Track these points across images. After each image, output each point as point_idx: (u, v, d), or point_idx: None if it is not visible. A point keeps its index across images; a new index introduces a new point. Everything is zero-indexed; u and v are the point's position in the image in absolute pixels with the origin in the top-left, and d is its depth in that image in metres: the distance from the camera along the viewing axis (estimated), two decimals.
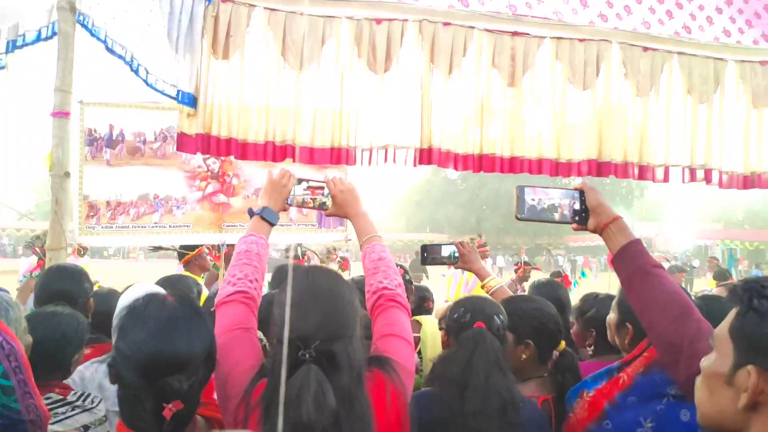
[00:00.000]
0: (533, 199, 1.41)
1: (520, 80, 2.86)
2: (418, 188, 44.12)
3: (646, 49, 2.99)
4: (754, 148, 3.18)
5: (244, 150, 2.66)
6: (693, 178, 3.10)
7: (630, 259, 1.24)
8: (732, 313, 0.81)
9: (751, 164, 3.18)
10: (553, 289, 2.34)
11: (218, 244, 4.50)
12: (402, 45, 2.74)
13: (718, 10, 3.14)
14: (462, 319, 1.54)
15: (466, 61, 2.81)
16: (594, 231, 1.34)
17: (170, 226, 4.16)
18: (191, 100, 2.60)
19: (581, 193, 1.36)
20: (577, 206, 1.37)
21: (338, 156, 2.71)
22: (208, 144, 2.64)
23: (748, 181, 3.19)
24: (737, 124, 3.15)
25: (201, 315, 1.21)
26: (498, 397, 1.34)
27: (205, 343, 1.17)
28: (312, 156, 2.71)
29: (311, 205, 1.61)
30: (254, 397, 1.15)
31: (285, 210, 1.59)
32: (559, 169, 2.93)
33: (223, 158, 4.04)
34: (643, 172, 3.03)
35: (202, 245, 4.25)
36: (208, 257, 4.44)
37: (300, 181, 1.61)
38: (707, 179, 3.13)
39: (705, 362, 0.84)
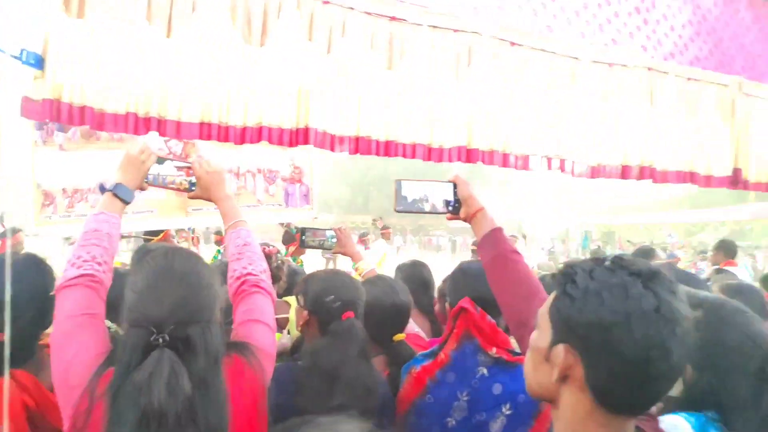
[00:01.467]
0: (410, 193, 1.52)
1: (398, 65, 2.93)
2: None
3: (513, 44, 3.22)
4: (600, 142, 3.57)
5: (101, 120, 2.44)
6: (549, 167, 3.41)
7: (492, 244, 1.37)
8: (552, 296, 0.92)
9: (597, 157, 3.57)
10: (417, 269, 2.47)
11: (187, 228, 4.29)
12: (279, 18, 2.67)
13: (576, 12, 3.45)
14: (331, 306, 1.56)
15: (345, 42, 2.82)
16: (464, 220, 1.48)
17: (133, 213, 3.77)
18: (38, 61, 2.33)
19: (454, 185, 1.50)
20: (450, 197, 1.50)
21: (209, 132, 2.60)
22: (58, 111, 2.38)
23: (595, 171, 3.59)
24: (586, 118, 3.51)
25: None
26: (364, 387, 1.40)
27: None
28: (179, 131, 2.57)
29: (174, 186, 1.54)
30: (100, 387, 1.10)
31: (143, 189, 1.50)
32: (431, 154, 3.07)
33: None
34: (506, 160, 3.28)
35: (167, 230, 4.02)
36: (178, 240, 4.21)
37: (162, 160, 1.54)
38: (562, 169, 3.46)
39: (531, 338, 0.94)
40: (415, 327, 1.90)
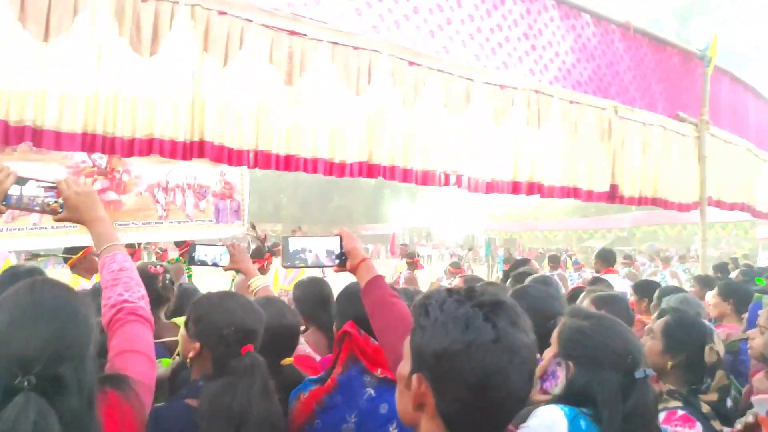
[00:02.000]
0: (297, 248, 1.57)
1: (297, 79, 2.93)
2: None
3: (411, 63, 3.33)
4: (494, 159, 3.78)
5: None
6: (447, 182, 3.56)
7: (373, 291, 1.43)
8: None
9: (492, 172, 3.78)
10: (316, 286, 2.47)
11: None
12: (171, 28, 2.58)
13: (471, 36, 3.65)
14: (229, 339, 1.42)
15: (243, 54, 2.77)
16: (350, 271, 1.53)
17: (52, 227, 3.63)
18: None
19: (341, 238, 1.55)
20: (337, 250, 1.55)
21: (92, 143, 2.45)
22: None
23: (489, 187, 3.80)
24: (481, 136, 3.71)
25: None
26: (271, 426, 1.36)
27: None
28: (59, 141, 2.39)
29: (38, 208, 1.43)
30: None
31: (1, 212, 1.38)
32: (333, 169, 3.09)
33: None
34: (407, 175, 3.38)
35: (89, 246, 3.64)
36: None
37: (25, 180, 1.42)
38: (458, 184, 3.63)
39: (398, 368, 0.98)
40: (306, 348, 1.89)
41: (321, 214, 37.31)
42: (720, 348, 1.62)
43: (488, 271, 21.52)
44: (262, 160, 2.86)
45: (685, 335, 1.64)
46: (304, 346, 1.87)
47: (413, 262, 8.36)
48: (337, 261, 1.56)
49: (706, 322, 1.72)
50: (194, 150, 2.68)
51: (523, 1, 3.89)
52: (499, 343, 0.81)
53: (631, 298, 3.76)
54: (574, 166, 4.21)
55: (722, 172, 5.74)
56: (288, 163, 2.93)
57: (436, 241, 41.41)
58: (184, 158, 2.67)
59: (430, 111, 3.44)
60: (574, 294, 3.26)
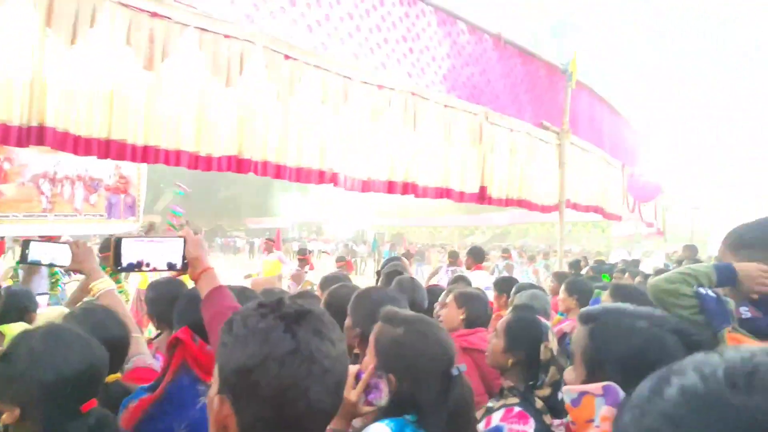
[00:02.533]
0: (132, 251, 1.45)
1: (159, 65, 2.73)
2: None
3: (287, 57, 3.25)
4: (370, 158, 3.82)
5: None
6: (322, 180, 3.53)
7: (212, 303, 1.35)
8: None
9: (368, 171, 3.82)
10: (173, 288, 2.33)
11: None
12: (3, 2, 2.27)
13: (350, 34, 3.65)
14: (61, 395, 1.15)
15: (95, 33, 2.52)
16: (191, 278, 1.43)
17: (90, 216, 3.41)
18: None
19: (185, 241, 1.45)
20: (180, 253, 1.46)
21: None
22: None
23: (365, 186, 3.83)
24: (359, 135, 3.72)
25: None
26: None
27: None
28: None
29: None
30: None
31: None
32: (198, 162, 2.93)
33: None
34: (280, 172, 3.30)
35: None
36: None
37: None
38: (334, 182, 3.61)
39: (210, 390, 0.92)
40: (148, 359, 1.75)
41: (205, 206, 35.56)
42: (554, 345, 1.75)
43: (375, 266, 21.95)
44: (115, 150, 2.62)
45: (524, 334, 1.75)
46: (145, 357, 1.73)
47: (304, 260, 8.25)
48: (179, 266, 1.47)
49: (543, 319, 1.85)
50: (32, 136, 2.39)
51: (402, 4, 3.96)
52: (298, 354, 0.79)
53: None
54: (446, 167, 4.39)
55: (579, 177, 6.32)
56: (146, 154, 2.72)
57: (326, 235, 41.36)
58: (19, 144, 2.37)
59: (306, 107, 3.38)
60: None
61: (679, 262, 7.04)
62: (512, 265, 10.87)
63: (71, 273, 4.55)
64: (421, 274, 18.52)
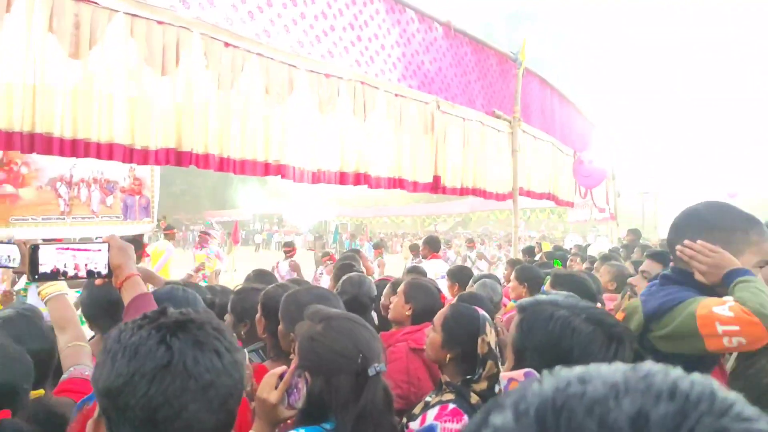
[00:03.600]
0: (51, 258, 1.36)
1: (86, 53, 2.57)
2: None
3: (227, 44, 3.13)
4: (320, 149, 3.74)
5: None
6: (268, 172, 3.44)
7: (135, 310, 1.28)
8: None
9: (318, 163, 3.74)
10: (108, 287, 2.21)
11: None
12: None
13: (294, 21, 3.55)
14: None
15: (12, 19, 2.35)
16: (116, 286, 1.40)
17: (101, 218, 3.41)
18: None
19: (109, 246, 1.38)
20: (104, 260, 1.38)
21: None
22: None
23: (315, 177, 3.75)
24: (307, 125, 3.64)
25: None
26: None
27: None
28: None
29: None
30: None
31: None
32: (133, 156, 2.79)
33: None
34: (224, 164, 3.19)
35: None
36: None
37: None
38: (282, 174, 3.52)
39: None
40: (85, 370, 1.63)
41: (162, 199, 34.62)
42: (491, 338, 1.73)
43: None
44: (40, 144, 2.47)
45: (461, 329, 1.72)
46: (82, 368, 1.61)
47: (291, 251, 8.34)
48: (103, 273, 1.39)
49: (482, 311, 1.83)
50: None
51: None
52: (170, 368, 0.72)
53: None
54: (399, 157, 4.35)
55: (532, 164, 6.40)
56: (75, 147, 2.58)
57: (287, 227, 40.89)
58: None
59: (249, 97, 3.27)
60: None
61: (626, 247, 7.26)
62: (483, 254, 11.03)
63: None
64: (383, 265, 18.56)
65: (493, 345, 1.71)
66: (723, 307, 1.23)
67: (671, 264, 1.56)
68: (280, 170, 3.49)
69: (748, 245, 1.40)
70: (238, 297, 2.33)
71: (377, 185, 4.27)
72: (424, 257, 5.46)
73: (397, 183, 4.42)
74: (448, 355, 1.69)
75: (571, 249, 8.01)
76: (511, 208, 6.16)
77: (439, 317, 1.78)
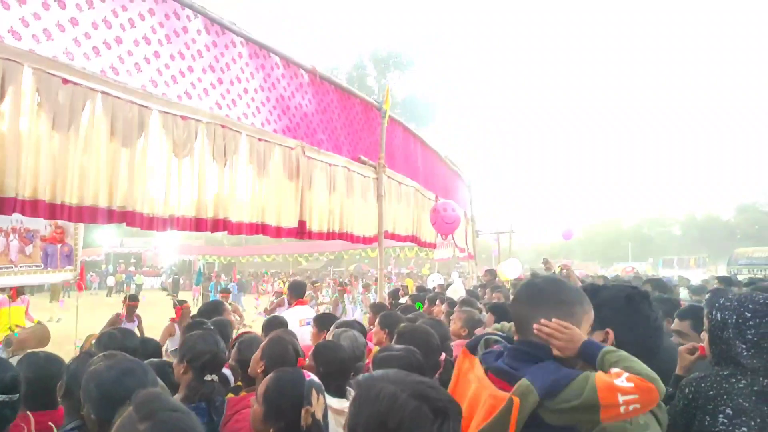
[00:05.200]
0: None
1: None
2: None
3: (66, 81, 2.86)
4: (174, 193, 3.52)
5: None
6: (112, 220, 3.15)
7: None
8: None
9: (171, 208, 3.51)
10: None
11: None
12: None
13: (147, 59, 3.35)
14: None
15: None
16: None
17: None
18: None
19: None
20: None
21: None
22: None
23: (167, 224, 3.51)
24: (159, 169, 3.41)
25: None
26: None
27: None
28: None
29: None
30: None
31: None
32: None
33: None
34: (56, 211, 2.86)
35: None
36: None
37: None
38: (128, 222, 3.24)
39: None
40: None
41: None
42: (318, 407, 1.64)
43: (201, 301, 20.55)
44: None
45: (283, 399, 1.62)
46: None
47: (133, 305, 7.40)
48: None
49: (309, 376, 1.70)
50: None
51: (208, 33, 3.78)
52: None
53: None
54: (262, 202, 4.25)
55: (397, 208, 6.64)
56: None
57: (147, 267, 37.82)
58: None
59: (90, 138, 3.00)
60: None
61: (483, 286, 7.77)
62: (368, 297, 10.90)
63: None
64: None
65: (319, 414, 1.64)
66: (621, 378, 1.34)
67: (516, 336, 1.64)
68: (125, 217, 3.21)
69: (583, 316, 1.56)
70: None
71: (238, 231, 4.11)
72: (289, 304, 5.32)
73: (260, 228, 4.30)
74: (271, 430, 1.59)
75: (434, 289, 8.36)
76: (385, 245, 6.29)
77: (261, 386, 1.67)
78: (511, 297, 4.59)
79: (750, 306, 1.80)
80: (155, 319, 8.64)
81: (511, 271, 9.29)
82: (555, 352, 1.51)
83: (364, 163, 5.71)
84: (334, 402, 2.16)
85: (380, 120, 6.03)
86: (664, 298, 3.95)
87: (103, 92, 3.04)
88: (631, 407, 1.32)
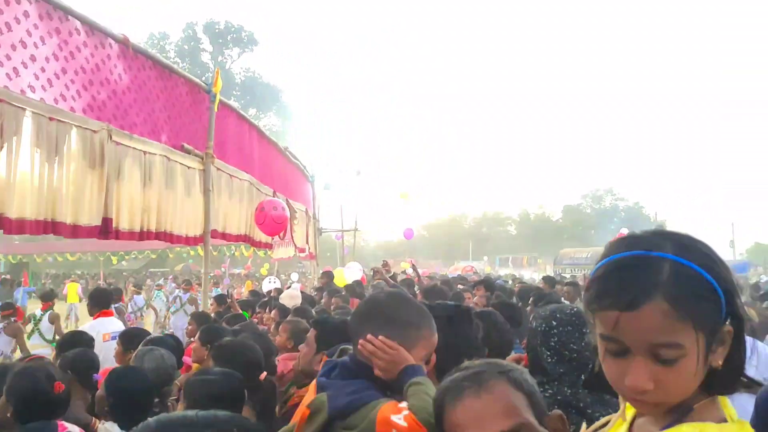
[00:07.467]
0: None
1: None
2: None
3: None
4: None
5: None
6: None
7: None
8: None
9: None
10: None
11: None
12: None
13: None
14: None
15: None
16: None
17: None
18: None
19: None
20: None
21: None
22: None
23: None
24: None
25: None
26: None
27: None
28: None
29: None
30: None
31: None
32: None
33: None
34: None
35: None
36: None
37: None
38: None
39: None
40: None
41: None
42: None
43: None
44: None
45: None
46: None
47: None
48: None
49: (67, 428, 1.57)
50: None
51: None
52: None
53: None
54: (52, 196, 3.76)
55: (228, 205, 6.37)
56: None
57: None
58: None
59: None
60: None
61: (319, 290, 7.83)
62: (195, 298, 10.26)
63: None
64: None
65: None
66: (399, 416, 1.35)
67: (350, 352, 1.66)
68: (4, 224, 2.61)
69: (419, 340, 1.57)
70: None
71: (20, 230, 3.59)
72: (91, 315, 4.81)
73: (50, 227, 3.81)
74: None
75: (270, 293, 8.21)
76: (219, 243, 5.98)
77: None
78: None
79: (558, 315, 2.02)
80: None
81: (350, 274, 9.50)
82: (376, 371, 1.53)
83: (188, 152, 5.38)
84: None
85: (209, 104, 5.73)
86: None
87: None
88: None
